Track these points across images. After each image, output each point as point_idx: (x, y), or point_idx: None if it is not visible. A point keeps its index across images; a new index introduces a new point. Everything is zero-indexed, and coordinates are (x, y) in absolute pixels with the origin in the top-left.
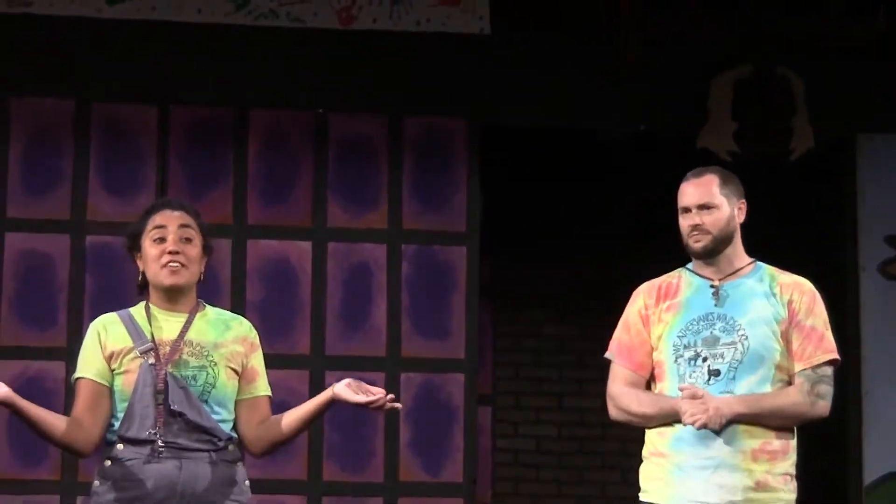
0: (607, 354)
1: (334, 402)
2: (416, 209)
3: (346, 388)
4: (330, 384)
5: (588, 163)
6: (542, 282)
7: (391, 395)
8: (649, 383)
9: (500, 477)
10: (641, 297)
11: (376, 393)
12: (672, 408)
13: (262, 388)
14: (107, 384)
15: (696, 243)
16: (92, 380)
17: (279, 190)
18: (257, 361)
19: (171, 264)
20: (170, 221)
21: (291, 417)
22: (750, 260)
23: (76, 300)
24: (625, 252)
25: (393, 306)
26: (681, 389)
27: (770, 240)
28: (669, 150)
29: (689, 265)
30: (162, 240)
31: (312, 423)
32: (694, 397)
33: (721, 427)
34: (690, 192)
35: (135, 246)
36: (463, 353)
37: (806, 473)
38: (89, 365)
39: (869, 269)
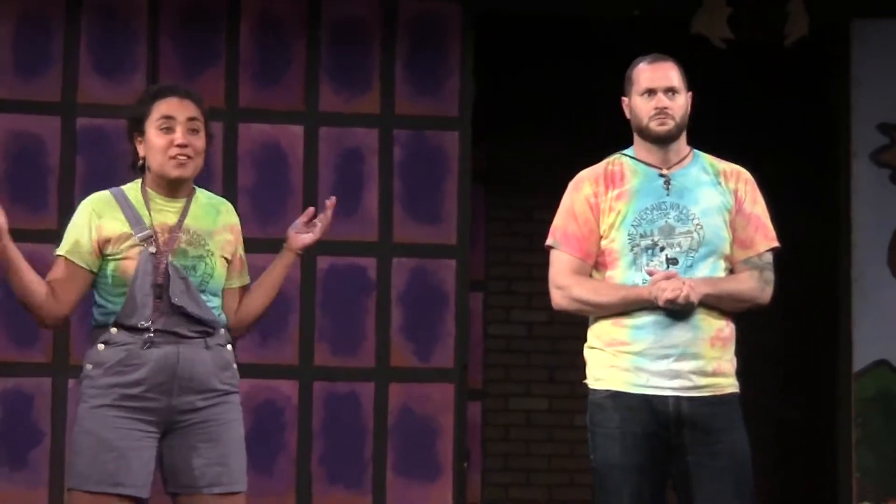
0: (550, 242)
1: (299, 256)
2: (408, 94)
3: (299, 238)
4: (321, 269)
5: (582, 49)
6: (535, 167)
7: (329, 201)
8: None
9: (492, 363)
10: (588, 185)
11: (319, 220)
12: (637, 296)
13: (246, 276)
14: (86, 267)
15: (661, 126)
16: (74, 262)
17: (271, 73)
18: (242, 250)
19: (179, 157)
20: (178, 112)
21: (261, 290)
22: (689, 149)
23: (67, 183)
24: (617, 139)
25: (385, 191)
26: (649, 274)
27: (763, 126)
28: (663, 35)
29: (628, 151)
30: (170, 130)
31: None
32: (668, 278)
33: (696, 304)
34: (657, 75)
35: (137, 129)
36: (455, 239)
37: (795, 359)
38: (75, 246)
39: (861, 157)
